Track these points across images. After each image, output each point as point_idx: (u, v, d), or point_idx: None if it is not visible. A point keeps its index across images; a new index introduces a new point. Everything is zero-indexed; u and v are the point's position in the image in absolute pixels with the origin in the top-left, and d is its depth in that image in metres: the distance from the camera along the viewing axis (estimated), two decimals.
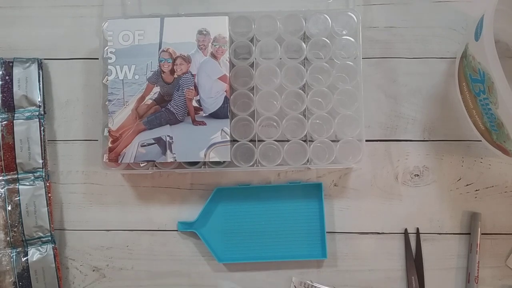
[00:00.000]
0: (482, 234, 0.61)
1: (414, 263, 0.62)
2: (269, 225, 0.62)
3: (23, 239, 0.61)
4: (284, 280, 0.62)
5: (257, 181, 0.64)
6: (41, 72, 0.64)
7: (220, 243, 0.62)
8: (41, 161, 0.62)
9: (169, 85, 0.59)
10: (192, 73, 0.59)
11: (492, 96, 0.51)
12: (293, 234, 0.62)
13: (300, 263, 0.62)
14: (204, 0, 0.66)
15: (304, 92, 0.60)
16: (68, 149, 0.65)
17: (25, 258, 0.60)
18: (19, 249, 0.61)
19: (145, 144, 0.59)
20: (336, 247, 0.63)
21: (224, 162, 0.60)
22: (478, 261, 0.61)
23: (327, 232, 0.61)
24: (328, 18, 0.61)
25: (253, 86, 0.61)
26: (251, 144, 0.60)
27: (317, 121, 0.61)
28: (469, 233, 0.62)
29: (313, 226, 0.62)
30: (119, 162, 0.59)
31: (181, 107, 0.59)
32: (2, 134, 0.62)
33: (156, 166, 0.61)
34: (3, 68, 0.64)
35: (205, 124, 0.59)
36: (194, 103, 0.59)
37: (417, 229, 0.62)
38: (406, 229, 0.62)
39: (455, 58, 0.64)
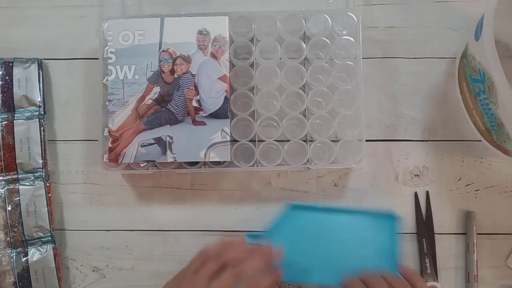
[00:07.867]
0: (482, 234, 0.61)
1: (424, 224, 0.62)
2: (335, 248, 0.58)
3: (23, 239, 0.61)
4: None
5: (257, 181, 0.64)
6: (41, 72, 0.64)
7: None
8: (41, 161, 0.62)
9: (169, 85, 0.59)
10: (192, 73, 0.59)
11: (492, 96, 0.51)
12: (358, 263, 0.56)
13: None
14: (204, 0, 0.66)
15: (304, 92, 0.60)
16: (68, 149, 0.65)
17: (25, 258, 0.60)
18: (19, 249, 0.61)
19: (145, 144, 0.59)
20: None
21: (224, 162, 0.60)
22: (476, 260, 0.60)
23: None
24: (328, 18, 0.61)
25: (253, 86, 0.61)
26: (251, 144, 0.60)
27: (317, 121, 0.61)
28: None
29: (382, 260, 0.56)
30: (119, 162, 0.59)
31: (181, 107, 0.59)
32: (2, 134, 0.62)
33: (156, 166, 0.61)
34: (3, 68, 0.64)
35: (205, 124, 0.59)
36: (194, 103, 0.59)
37: (427, 192, 0.63)
38: (416, 192, 0.63)
39: (455, 58, 0.64)
